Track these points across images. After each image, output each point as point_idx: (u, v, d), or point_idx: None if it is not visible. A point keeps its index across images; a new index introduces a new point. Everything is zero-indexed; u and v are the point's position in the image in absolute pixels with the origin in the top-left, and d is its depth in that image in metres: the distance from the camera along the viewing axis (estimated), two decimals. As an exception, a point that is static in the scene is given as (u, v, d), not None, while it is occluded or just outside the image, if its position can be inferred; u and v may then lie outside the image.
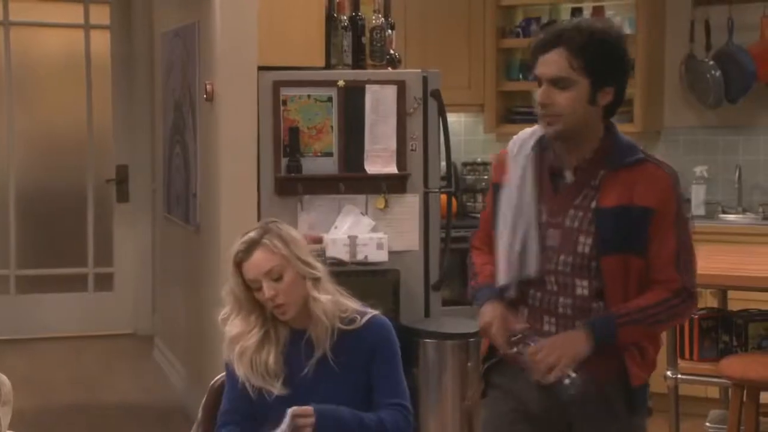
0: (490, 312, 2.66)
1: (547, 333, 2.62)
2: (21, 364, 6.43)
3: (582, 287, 2.59)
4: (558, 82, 2.54)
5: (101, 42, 7.49)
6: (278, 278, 2.79)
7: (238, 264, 2.82)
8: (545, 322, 2.64)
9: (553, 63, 2.55)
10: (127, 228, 7.52)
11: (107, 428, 5.56)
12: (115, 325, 7.49)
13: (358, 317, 2.86)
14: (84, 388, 6.17)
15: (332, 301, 2.83)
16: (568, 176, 2.62)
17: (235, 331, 2.84)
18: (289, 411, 2.69)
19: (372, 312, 2.89)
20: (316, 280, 2.83)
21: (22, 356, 6.76)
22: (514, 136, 2.75)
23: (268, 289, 2.78)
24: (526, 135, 2.71)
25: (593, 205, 2.57)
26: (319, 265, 2.87)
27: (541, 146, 2.66)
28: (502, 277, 2.68)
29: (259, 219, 4.73)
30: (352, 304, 2.89)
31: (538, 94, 2.59)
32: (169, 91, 6.22)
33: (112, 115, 7.52)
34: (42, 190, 7.49)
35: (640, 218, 2.53)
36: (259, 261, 2.79)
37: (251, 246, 2.81)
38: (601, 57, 2.55)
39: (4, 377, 2.91)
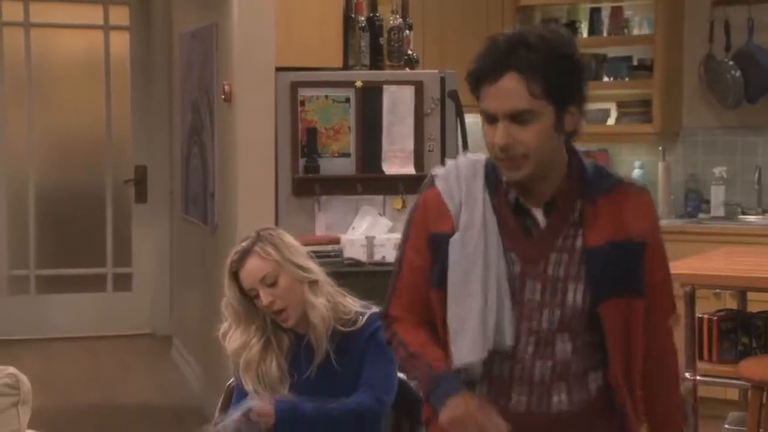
0: (470, 406, 2.09)
1: (514, 407, 2.14)
2: (40, 364, 6.46)
3: (564, 343, 2.14)
4: (519, 117, 2.05)
5: (120, 43, 7.53)
6: (273, 284, 2.80)
7: (234, 274, 2.84)
8: (514, 394, 2.15)
9: (507, 94, 2.04)
10: (145, 228, 7.55)
11: (124, 428, 5.58)
12: (134, 325, 7.51)
13: (360, 318, 2.86)
14: (102, 388, 6.19)
15: (330, 304, 2.83)
16: (539, 214, 2.15)
17: (235, 344, 2.86)
18: (248, 405, 2.70)
19: (372, 309, 2.88)
20: (313, 284, 2.83)
21: (41, 356, 6.80)
22: (441, 172, 2.22)
23: (264, 296, 2.79)
24: (467, 169, 2.19)
25: (578, 244, 2.13)
26: (315, 268, 2.87)
27: (490, 181, 2.17)
28: (466, 355, 2.12)
29: (276, 219, 4.75)
30: (354, 305, 2.89)
31: (495, 135, 2.07)
32: (187, 92, 6.24)
33: (131, 115, 7.55)
34: (61, 191, 7.52)
35: (635, 253, 2.15)
36: (252, 269, 2.81)
37: (244, 255, 2.83)
38: (562, 74, 2.06)
39: (23, 377, 2.92)
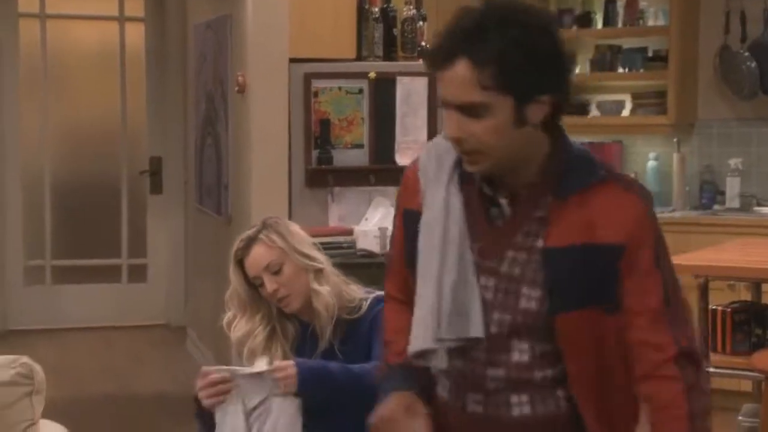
0: (398, 408, 1.98)
1: (471, 414, 1.96)
2: (55, 354, 6.49)
3: (521, 351, 1.92)
4: (470, 110, 1.82)
5: (135, 34, 7.55)
6: (278, 271, 2.80)
7: (240, 262, 2.85)
8: (470, 401, 1.96)
9: (457, 83, 1.81)
10: (160, 219, 7.57)
11: (139, 418, 5.61)
12: (149, 316, 7.54)
13: (364, 303, 2.86)
14: (117, 379, 6.22)
15: (335, 292, 2.83)
16: (504, 205, 1.92)
17: (240, 333, 2.86)
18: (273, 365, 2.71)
19: (373, 294, 2.88)
20: (318, 272, 2.83)
21: (56, 346, 6.83)
22: (428, 144, 2.06)
23: (269, 283, 2.79)
24: (445, 145, 1.96)
25: (539, 244, 1.89)
26: (320, 256, 2.87)
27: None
28: (417, 342, 1.94)
29: (290, 210, 4.76)
30: (358, 292, 2.89)
31: (445, 125, 1.89)
32: (201, 83, 6.25)
33: (146, 106, 7.57)
34: (76, 182, 7.55)
35: (606, 260, 1.87)
36: (257, 256, 2.81)
37: (249, 243, 2.84)
38: (522, 61, 1.80)
39: (37, 366, 2.93)
